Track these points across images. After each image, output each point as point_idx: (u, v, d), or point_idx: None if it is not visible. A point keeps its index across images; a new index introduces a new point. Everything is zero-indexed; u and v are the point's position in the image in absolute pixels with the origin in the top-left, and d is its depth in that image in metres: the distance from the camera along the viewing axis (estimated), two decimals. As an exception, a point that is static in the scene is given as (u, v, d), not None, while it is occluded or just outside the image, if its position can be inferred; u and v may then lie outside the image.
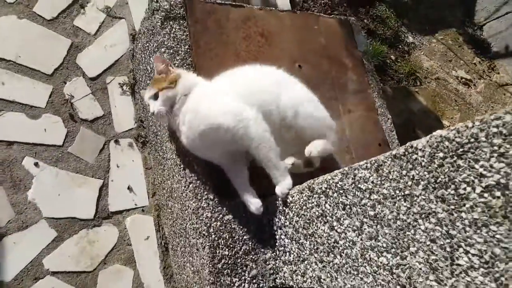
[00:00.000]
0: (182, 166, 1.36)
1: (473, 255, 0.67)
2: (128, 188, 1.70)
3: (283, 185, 1.20)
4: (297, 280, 1.17)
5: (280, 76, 1.39)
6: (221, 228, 1.30)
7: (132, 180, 1.72)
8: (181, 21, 1.55)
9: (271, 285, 1.29)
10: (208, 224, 1.28)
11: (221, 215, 1.31)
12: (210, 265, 1.24)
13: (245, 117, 1.19)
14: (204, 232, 1.27)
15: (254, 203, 1.24)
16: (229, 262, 1.27)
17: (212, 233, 1.28)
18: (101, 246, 1.56)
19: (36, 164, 1.57)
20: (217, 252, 1.26)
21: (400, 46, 3.38)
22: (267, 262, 1.31)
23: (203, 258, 1.26)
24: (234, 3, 1.77)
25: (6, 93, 1.62)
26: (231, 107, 1.21)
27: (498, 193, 0.62)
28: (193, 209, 1.30)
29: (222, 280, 1.24)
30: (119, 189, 1.69)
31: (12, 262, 1.40)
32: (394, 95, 3.01)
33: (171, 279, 1.60)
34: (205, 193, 1.32)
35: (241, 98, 1.23)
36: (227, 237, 1.30)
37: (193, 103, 1.23)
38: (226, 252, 1.28)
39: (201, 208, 1.30)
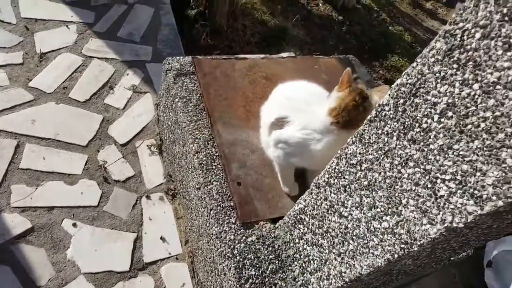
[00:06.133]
0: (202, 197, 1.49)
1: (449, 180, 0.73)
2: (161, 238, 1.83)
3: None
4: (324, 286, 1.19)
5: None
6: (245, 249, 1.37)
7: (164, 231, 1.85)
8: (191, 76, 1.81)
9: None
10: (232, 246, 1.36)
11: (244, 237, 1.39)
12: (237, 286, 1.29)
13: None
14: (228, 254, 1.35)
15: None
16: (257, 281, 1.32)
17: (237, 255, 1.35)
18: (138, 296, 1.65)
19: (74, 225, 1.75)
20: (243, 272, 1.32)
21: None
22: (296, 279, 1.33)
23: (230, 280, 1.32)
24: (238, 56, 2.03)
25: (46, 166, 1.88)
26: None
27: (450, 113, 0.71)
28: (216, 235, 1.39)
29: (251, 299, 1.28)
30: (152, 240, 1.81)
31: (55, 315, 1.52)
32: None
33: (209, 323, 1.63)
34: (226, 217, 1.42)
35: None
36: (253, 257, 1.36)
37: None
38: (253, 272, 1.33)
39: (223, 232, 1.39)
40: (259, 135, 1.65)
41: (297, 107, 1.48)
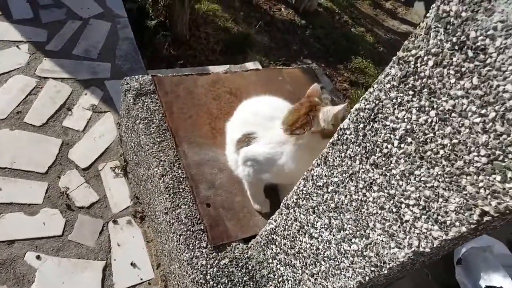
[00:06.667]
0: (171, 222, 1.45)
1: (413, 205, 0.73)
2: (132, 264, 1.77)
3: None
4: (300, 307, 1.18)
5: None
6: (218, 273, 1.34)
7: (134, 256, 1.80)
8: (152, 95, 1.77)
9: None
10: (204, 272, 1.33)
11: (216, 261, 1.37)
12: (212, 313, 1.27)
13: None
14: (201, 281, 1.32)
15: None
16: (232, 306, 1.30)
17: (210, 280, 1.32)
18: (111, 328, 1.59)
19: (38, 257, 1.67)
20: (218, 298, 1.30)
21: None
22: (272, 300, 1.32)
23: (204, 307, 1.29)
24: (200, 72, 2.01)
25: (4, 197, 1.79)
26: None
27: (409, 139, 0.71)
28: (187, 261, 1.36)
29: (227, 326, 1.25)
30: (122, 267, 1.76)
31: None
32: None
33: None
34: (197, 242, 1.39)
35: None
36: (226, 281, 1.34)
37: None
38: (227, 297, 1.31)
39: (194, 257, 1.36)
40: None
41: (262, 122, 1.48)
